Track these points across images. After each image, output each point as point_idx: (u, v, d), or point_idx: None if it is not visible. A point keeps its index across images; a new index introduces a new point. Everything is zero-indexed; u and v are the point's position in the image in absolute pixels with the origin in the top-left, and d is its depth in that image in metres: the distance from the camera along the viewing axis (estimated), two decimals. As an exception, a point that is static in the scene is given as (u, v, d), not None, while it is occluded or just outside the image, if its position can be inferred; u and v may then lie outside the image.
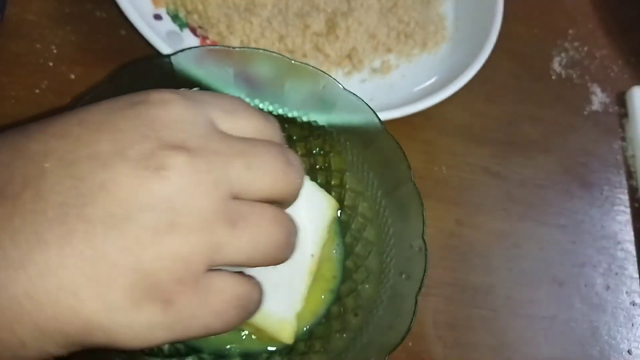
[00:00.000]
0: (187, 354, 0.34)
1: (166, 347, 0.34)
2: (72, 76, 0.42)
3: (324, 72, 0.36)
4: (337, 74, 0.47)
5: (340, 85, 0.36)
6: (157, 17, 0.44)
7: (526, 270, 0.45)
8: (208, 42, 0.45)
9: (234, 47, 0.36)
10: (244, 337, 0.34)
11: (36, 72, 0.41)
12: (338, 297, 0.36)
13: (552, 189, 0.50)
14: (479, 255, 0.45)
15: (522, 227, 0.47)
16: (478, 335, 0.42)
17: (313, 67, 0.36)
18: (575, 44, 0.58)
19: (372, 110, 0.36)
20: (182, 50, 0.34)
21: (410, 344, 0.40)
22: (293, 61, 0.36)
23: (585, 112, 0.54)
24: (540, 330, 0.43)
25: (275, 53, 0.36)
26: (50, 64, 0.42)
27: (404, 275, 0.33)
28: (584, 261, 0.47)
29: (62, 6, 0.44)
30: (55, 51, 0.42)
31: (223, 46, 0.36)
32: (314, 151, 0.39)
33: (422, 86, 0.47)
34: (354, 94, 0.36)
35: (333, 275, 0.38)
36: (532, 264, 0.46)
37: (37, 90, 0.41)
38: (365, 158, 0.37)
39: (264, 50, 0.36)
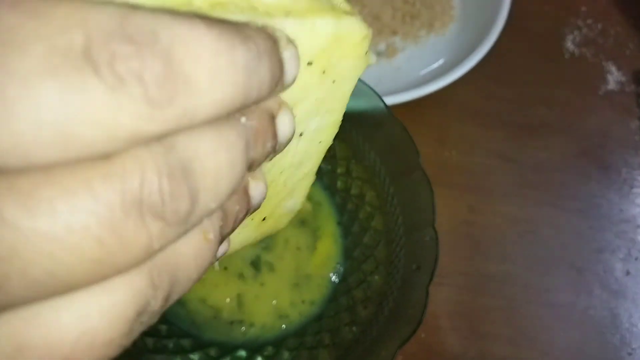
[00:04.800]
0: (193, 350, 0.33)
1: (171, 344, 0.33)
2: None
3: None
4: (342, 59, 0.46)
5: (343, 69, 0.34)
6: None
7: (543, 257, 0.44)
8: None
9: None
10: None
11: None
12: (347, 289, 0.35)
13: (568, 172, 0.48)
14: (493, 243, 0.43)
15: (537, 212, 0.45)
16: (495, 324, 0.40)
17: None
18: (589, 21, 0.56)
19: (377, 94, 0.34)
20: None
21: (423, 335, 0.38)
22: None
23: (601, 92, 0.52)
24: (559, 318, 0.42)
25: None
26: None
27: (414, 266, 0.32)
28: (602, 246, 0.45)
29: None
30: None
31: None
32: (318, 139, 0.38)
33: (429, 69, 0.46)
34: (358, 79, 0.34)
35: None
36: (548, 251, 0.44)
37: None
38: (372, 145, 0.36)
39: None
